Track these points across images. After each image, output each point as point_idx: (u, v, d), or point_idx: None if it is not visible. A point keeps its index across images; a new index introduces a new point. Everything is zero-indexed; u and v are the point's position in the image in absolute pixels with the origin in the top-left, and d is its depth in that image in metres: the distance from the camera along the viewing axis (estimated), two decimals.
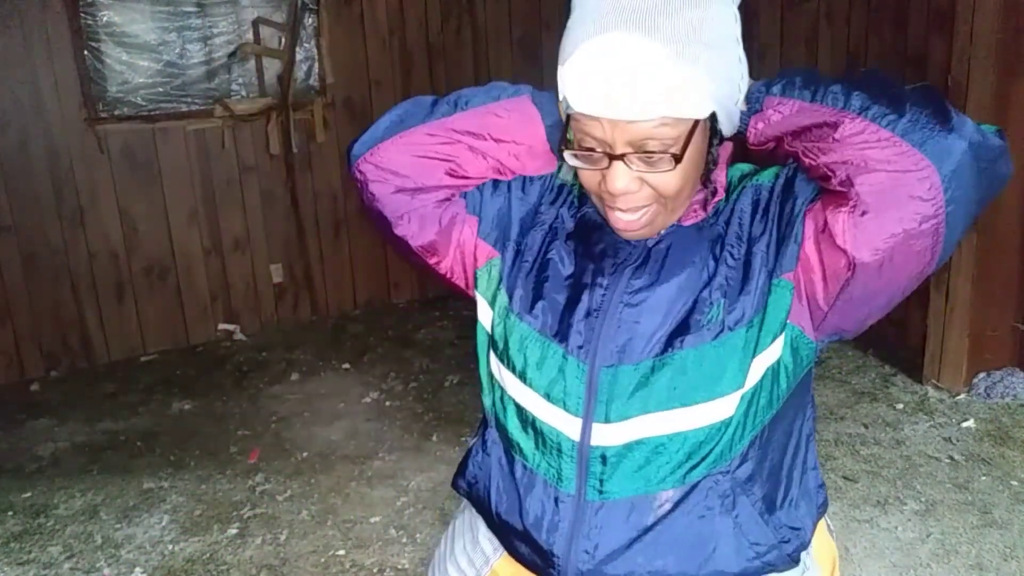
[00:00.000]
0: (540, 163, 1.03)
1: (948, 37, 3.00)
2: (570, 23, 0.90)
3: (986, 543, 2.28)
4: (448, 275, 1.09)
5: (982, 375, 3.17)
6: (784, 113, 0.89)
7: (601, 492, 0.95)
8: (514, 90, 1.00)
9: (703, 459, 0.93)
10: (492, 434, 1.07)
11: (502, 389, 1.03)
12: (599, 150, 0.89)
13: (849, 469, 2.69)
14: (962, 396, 3.13)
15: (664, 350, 0.93)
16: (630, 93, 0.84)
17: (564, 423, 0.96)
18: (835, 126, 0.85)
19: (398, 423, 3.21)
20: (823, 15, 3.70)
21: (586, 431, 0.95)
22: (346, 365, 3.82)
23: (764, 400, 0.95)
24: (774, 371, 0.95)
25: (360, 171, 1.03)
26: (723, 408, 0.93)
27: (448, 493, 2.65)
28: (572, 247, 1.03)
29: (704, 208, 0.99)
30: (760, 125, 0.91)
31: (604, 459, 0.94)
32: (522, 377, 0.99)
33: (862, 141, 0.83)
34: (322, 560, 2.37)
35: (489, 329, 1.06)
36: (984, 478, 2.59)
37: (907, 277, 0.88)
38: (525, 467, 1.00)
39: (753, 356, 0.93)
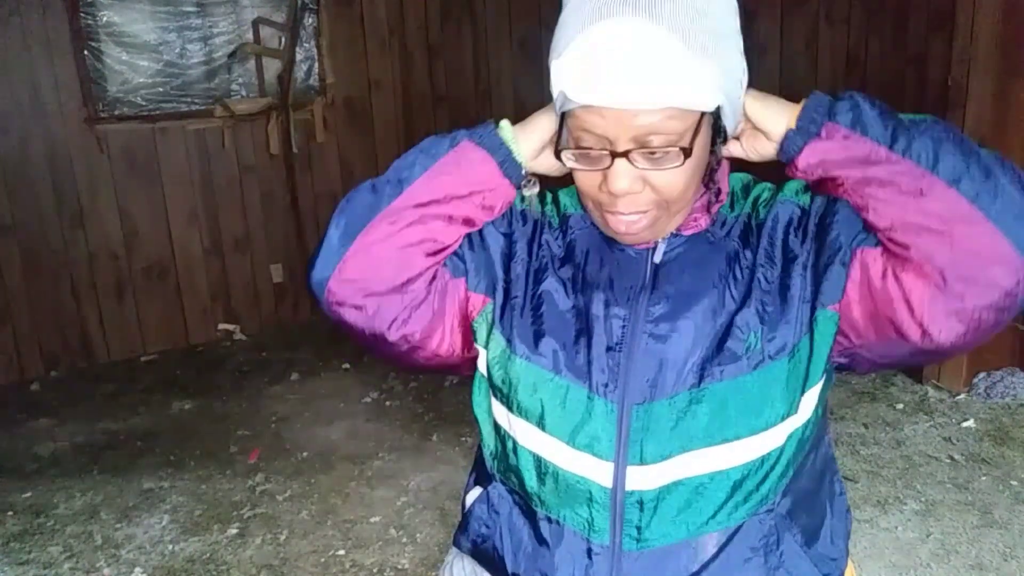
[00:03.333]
0: (506, 198, 0.93)
1: (948, 37, 2.99)
2: (564, 14, 0.83)
3: (986, 543, 2.28)
4: (447, 354, 0.98)
5: (982, 375, 3.17)
6: (852, 152, 0.80)
7: (639, 540, 0.87)
8: (450, 140, 0.91)
9: (747, 498, 0.87)
10: (498, 488, 0.98)
11: (513, 440, 0.94)
12: (599, 148, 0.82)
13: (849, 469, 2.68)
14: (962, 396, 3.13)
15: (699, 381, 0.86)
16: (637, 80, 0.77)
17: (593, 469, 0.88)
18: (919, 192, 0.77)
19: (398, 423, 3.21)
20: (823, 15, 3.69)
21: (619, 476, 0.87)
22: (346, 365, 3.82)
23: (809, 432, 0.91)
24: (818, 402, 0.91)
25: (333, 294, 0.91)
26: (766, 442, 0.87)
27: (448, 493, 2.65)
28: (568, 274, 0.95)
29: (708, 212, 0.93)
30: (814, 158, 0.82)
31: (641, 504, 0.87)
32: (540, 424, 0.90)
33: (950, 216, 0.77)
34: (322, 560, 2.37)
35: (487, 377, 0.98)
36: (984, 478, 2.59)
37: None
38: (550, 519, 0.91)
39: (804, 390, 0.88)
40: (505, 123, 0.92)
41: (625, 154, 0.81)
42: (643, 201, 0.85)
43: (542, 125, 0.91)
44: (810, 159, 0.82)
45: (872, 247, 0.84)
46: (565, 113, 0.85)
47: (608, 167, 0.83)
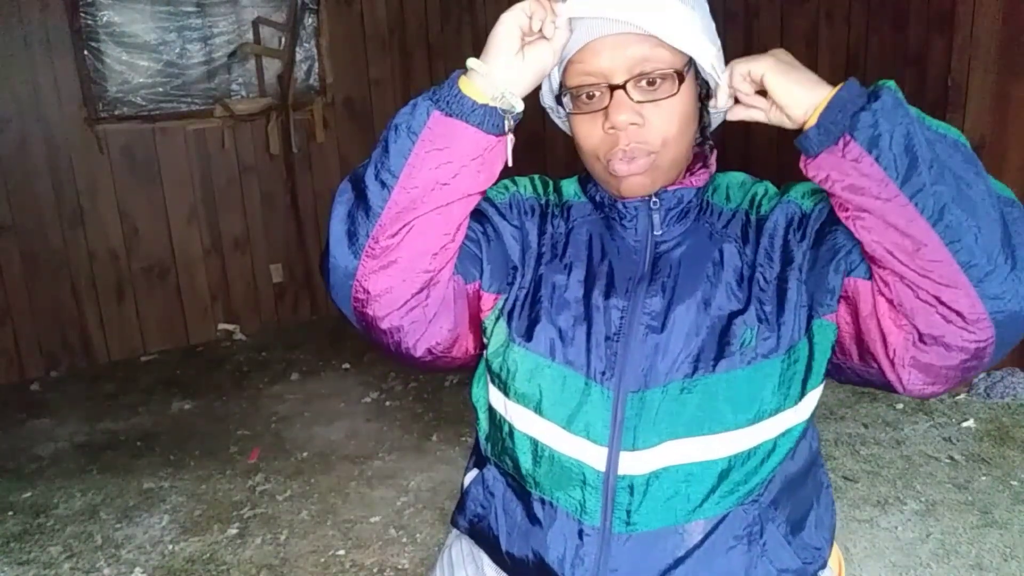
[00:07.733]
0: (497, 154, 0.88)
1: (948, 37, 3.00)
2: None
3: (986, 543, 2.28)
4: (463, 356, 0.99)
5: (982, 375, 3.17)
6: (858, 181, 0.77)
7: (628, 524, 0.90)
8: (422, 114, 0.84)
9: (734, 489, 0.90)
10: (492, 471, 1.01)
11: (510, 424, 0.96)
12: (599, 87, 0.86)
13: (849, 469, 2.68)
14: (962, 396, 3.13)
15: (693, 372, 0.88)
16: (637, 4, 0.83)
17: (588, 453, 0.90)
18: (916, 246, 0.76)
19: (398, 423, 3.21)
20: (823, 15, 3.70)
21: (612, 460, 0.89)
22: (346, 365, 3.82)
23: (803, 430, 0.94)
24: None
25: (366, 316, 0.90)
26: (754, 437, 0.89)
27: (448, 493, 2.65)
28: (569, 263, 0.97)
29: (706, 164, 0.97)
30: (821, 173, 0.80)
31: (632, 489, 0.89)
32: (538, 409, 0.93)
33: (937, 279, 0.76)
34: (322, 560, 2.37)
35: (487, 365, 0.99)
36: (984, 478, 2.59)
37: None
38: (543, 501, 0.94)
39: (805, 391, 0.91)
40: (472, 64, 0.86)
41: (622, 86, 0.86)
42: (643, 135, 0.88)
43: (500, 40, 0.86)
44: (817, 173, 0.81)
45: (864, 279, 0.85)
46: (566, 68, 0.89)
47: (608, 105, 0.87)
